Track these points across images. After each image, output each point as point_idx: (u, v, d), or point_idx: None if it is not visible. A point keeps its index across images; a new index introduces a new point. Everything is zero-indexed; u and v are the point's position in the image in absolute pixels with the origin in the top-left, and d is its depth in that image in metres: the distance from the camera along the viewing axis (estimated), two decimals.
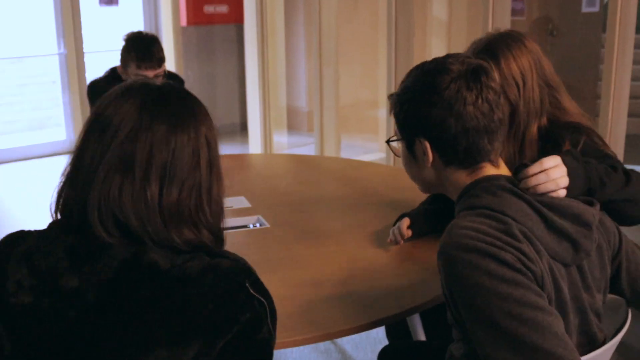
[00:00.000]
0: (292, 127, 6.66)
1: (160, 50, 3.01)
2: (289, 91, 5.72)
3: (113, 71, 3.11)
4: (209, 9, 6.80)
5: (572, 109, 1.76)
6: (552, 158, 1.41)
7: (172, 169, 1.07)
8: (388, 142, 1.50)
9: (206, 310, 1.02)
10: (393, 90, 4.78)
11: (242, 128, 6.84)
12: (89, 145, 1.10)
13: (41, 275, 1.06)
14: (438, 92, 1.31)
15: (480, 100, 1.30)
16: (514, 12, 4.70)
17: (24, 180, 3.31)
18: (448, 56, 1.36)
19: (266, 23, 5.10)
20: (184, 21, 6.77)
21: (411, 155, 1.41)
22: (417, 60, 4.84)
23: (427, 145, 1.35)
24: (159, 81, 2.44)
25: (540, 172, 1.37)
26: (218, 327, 1.02)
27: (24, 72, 7.26)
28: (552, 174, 1.38)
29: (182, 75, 4.95)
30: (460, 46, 4.52)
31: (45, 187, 2.84)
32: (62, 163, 1.16)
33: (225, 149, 6.77)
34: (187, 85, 6.17)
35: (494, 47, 1.71)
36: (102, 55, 6.73)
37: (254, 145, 5.36)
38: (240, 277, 1.06)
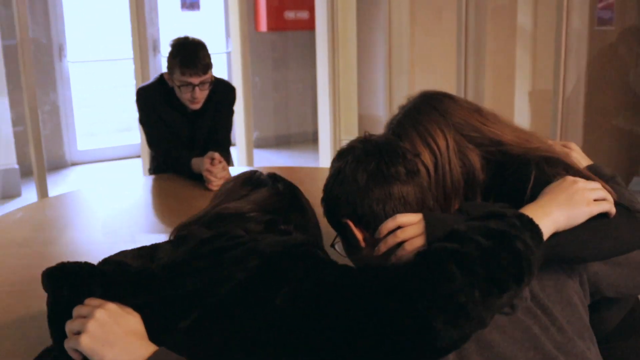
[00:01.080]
0: None
1: (207, 56, 2.87)
2: (365, 99, 5.56)
3: (161, 77, 3.01)
4: (289, 14, 6.73)
5: (515, 138, 1.52)
6: (411, 215, 1.28)
7: None
8: (332, 246, 1.45)
9: None
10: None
11: (315, 137, 6.72)
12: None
13: None
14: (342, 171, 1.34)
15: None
16: (601, 21, 4.39)
17: (112, 180, 3.32)
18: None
19: (337, 29, 4.96)
20: (264, 26, 6.73)
21: (347, 242, 1.38)
22: (489, 70, 4.61)
23: (350, 223, 1.33)
24: (203, 95, 2.69)
25: (395, 229, 1.26)
26: None
27: (116, 74, 7.40)
28: (403, 234, 1.25)
29: (249, 81, 4.86)
30: (546, 57, 4.28)
31: (133, 188, 2.93)
32: None
33: (297, 158, 6.70)
34: (258, 92, 6.07)
35: (401, 128, 1.54)
36: None
37: (324, 154, 5.22)
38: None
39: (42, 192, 4.26)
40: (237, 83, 4.63)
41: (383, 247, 1.27)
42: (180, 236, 1.33)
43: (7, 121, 5.37)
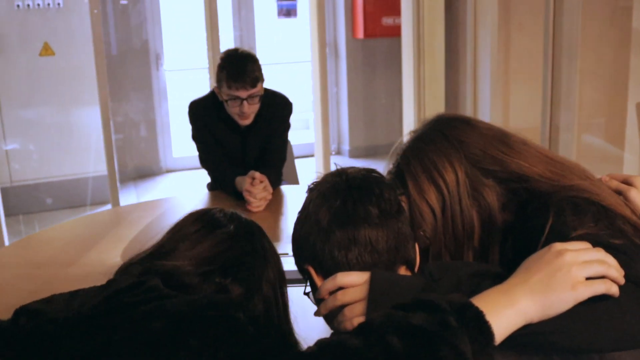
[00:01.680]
0: None
1: (256, 69, 2.74)
2: (452, 109, 5.26)
3: (213, 92, 2.91)
4: (387, 20, 6.50)
5: (546, 172, 1.22)
6: (355, 274, 1.04)
7: None
8: (306, 294, 1.22)
9: None
10: (549, 111, 4.19)
11: None
12: None
13: None
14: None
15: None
16: None
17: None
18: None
19: (423, 36, 4.70)
20: (360, 33, 6.54)
21: (313, 291, 1.17)
22: (598, 77, 4.18)
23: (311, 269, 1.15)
24: (253, 109, 2.71)
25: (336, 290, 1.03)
26: None
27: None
28: (343, 297, 1.03)
29: (327, 90, 4.68)
30: None
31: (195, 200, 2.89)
32: None
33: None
34: (352, 99, 5.82)
35: (404, 161, 1.30)
36: (280, 68, 6.71)
37: None
38: None
39: (114, 200, 4.28)
40: (315, 91, 4.49)
41: (323, 311, 1.08)
42: (109, 280, 1.18)
43: (97, 129, 5.49)
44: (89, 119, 5.33)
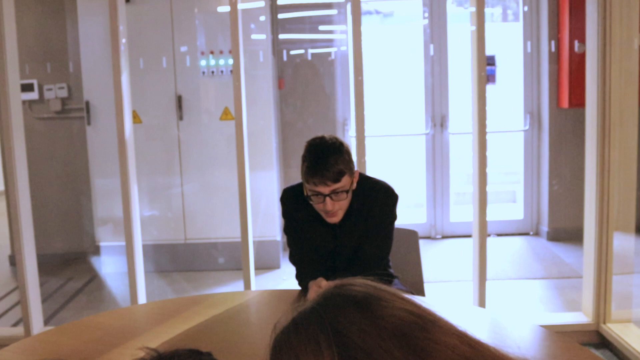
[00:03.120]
0: None
1: (340, 162, 2.41)
2: None
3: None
4: None
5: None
6: None
7: None
8: None
9: None
10: None
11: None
12: None
13: None
14: None
15: None
16: None
17: None
18: None
19: (609, 107, 4.06)
20: (566, 102, 5.95)
21: None
22: None
23: None
24: (339, 206, 2.50)
25: None
26: None
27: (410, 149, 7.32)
28: None
29: (485, 166, 4.23)
30: None
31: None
32: None
33: (564, 253, 5.73)
34: (551, 175, 5.15)
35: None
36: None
37: (588, 248, 4.27)
38: None
39: (246, 282, 4.17)
40: (475, 164, 4.04)
41: None
42: None
43: (273, 194, 5.56)
44: (261, 183, 5.42)
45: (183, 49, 5.34)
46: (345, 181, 2.42)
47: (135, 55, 5.27)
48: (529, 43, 6.18)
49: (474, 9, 3.95)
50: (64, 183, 5.84)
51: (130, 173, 3.96)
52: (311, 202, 2.48)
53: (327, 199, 2.42)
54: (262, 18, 5.36)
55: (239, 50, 3.92)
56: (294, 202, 2.64)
